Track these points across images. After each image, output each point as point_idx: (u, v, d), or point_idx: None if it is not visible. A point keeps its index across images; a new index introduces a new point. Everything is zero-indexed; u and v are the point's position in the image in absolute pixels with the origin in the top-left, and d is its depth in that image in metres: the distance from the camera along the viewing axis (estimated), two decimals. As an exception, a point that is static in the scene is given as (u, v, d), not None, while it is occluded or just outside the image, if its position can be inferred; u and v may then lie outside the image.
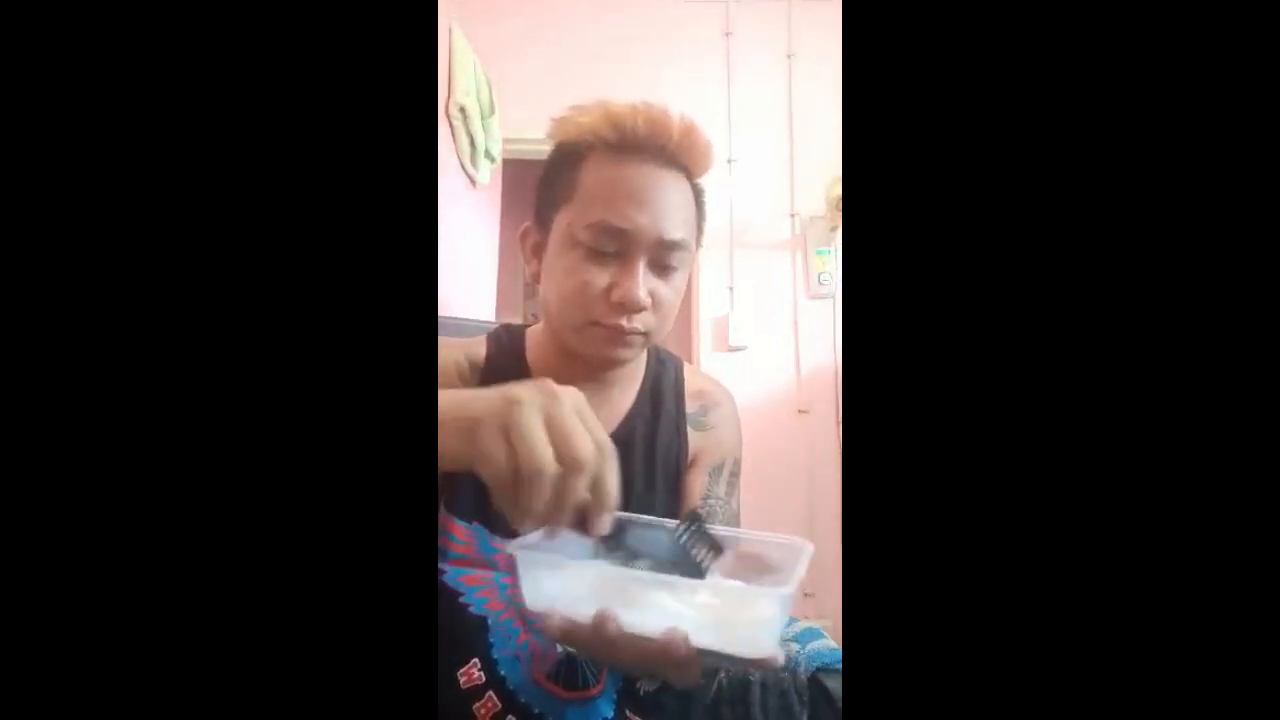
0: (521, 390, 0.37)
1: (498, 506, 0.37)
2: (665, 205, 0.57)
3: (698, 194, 0.62)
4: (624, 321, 0.57)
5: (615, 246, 0.56)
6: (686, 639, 0.37)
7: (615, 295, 0.56)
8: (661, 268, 0.58)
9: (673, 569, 0.43)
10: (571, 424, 0.36)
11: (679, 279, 0.60)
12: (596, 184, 0.57)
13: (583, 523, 0.38)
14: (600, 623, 0.38)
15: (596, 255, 0.57)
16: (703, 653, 0.38)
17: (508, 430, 0.36)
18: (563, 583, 0.42)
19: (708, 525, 0.45)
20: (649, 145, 0.57)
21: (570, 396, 0.38)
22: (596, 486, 0.37)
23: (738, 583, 0.43)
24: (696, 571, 0.43)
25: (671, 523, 0.46)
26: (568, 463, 0.36)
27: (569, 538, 0.40)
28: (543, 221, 0.62)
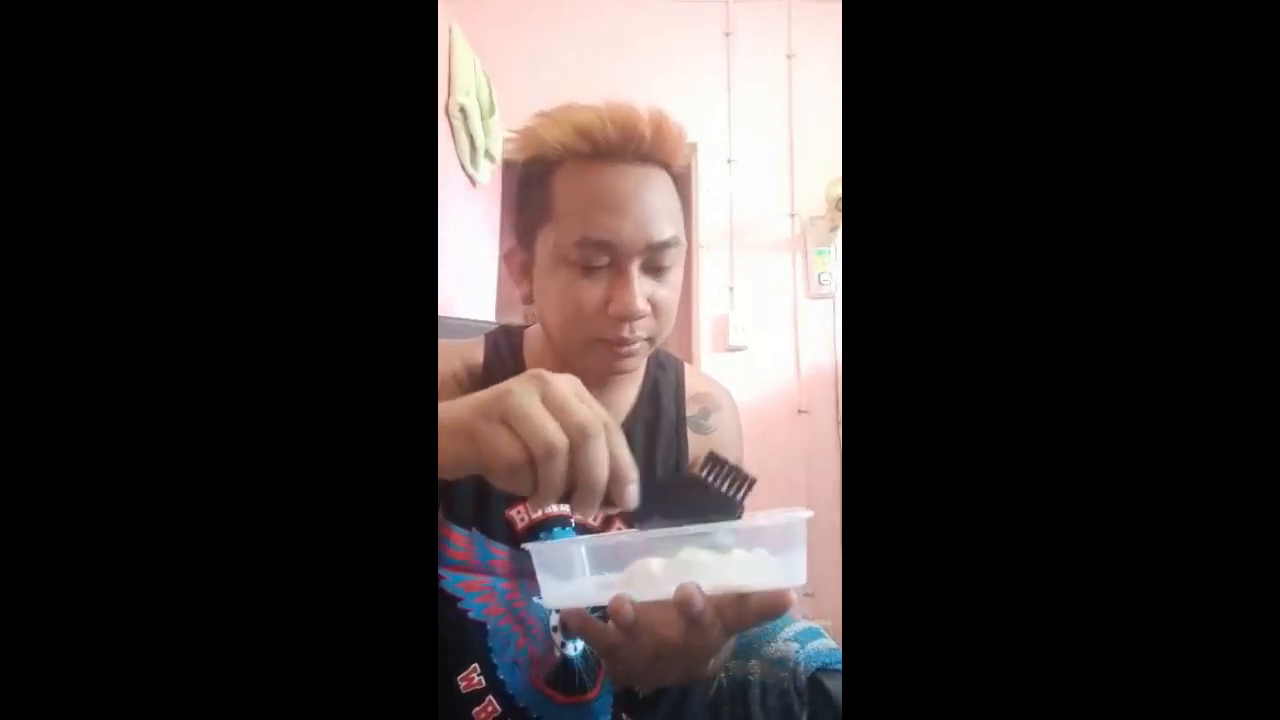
0: (512, 381, 0.37)
1: (518, 492, 0.37)
2: (648, 206, 0.55)
3: (679, 182, 0.59)
4: (626, 332, 0.56)
5: (605, 259, 0.55)
6: (699, 588, 0.37)
7: (613, 309, 0.55)
8: (655, 270, 0.57)
9: (708, 514, 0.42)
10: (569, 400, 0.37)
11: (674, 276, 0.59)
12: (573, 197, 0.55)
13: (609, 500, 0.38)
14: (616, 607, 0.38)
15: (587, 270, 0.55)
16: (726, 598, 0.38)
17: (507, 418, 0.36)
18: (577, 578, 0.42)
19: (726, 459, 0.44)
20: (622, 150, 0.55)
21: (565, 379, 0.38)
22: (613, 457, 0.37)
23: (750, 520, 0.42)
24: (730, 507, 0.42)
25: (690, 474, 0.46)
26: (575, 434, 0.36)
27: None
28: (526, 241, 0.60)
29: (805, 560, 0.39)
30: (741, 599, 0.39)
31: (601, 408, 0.38)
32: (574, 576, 0.43)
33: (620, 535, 0.40)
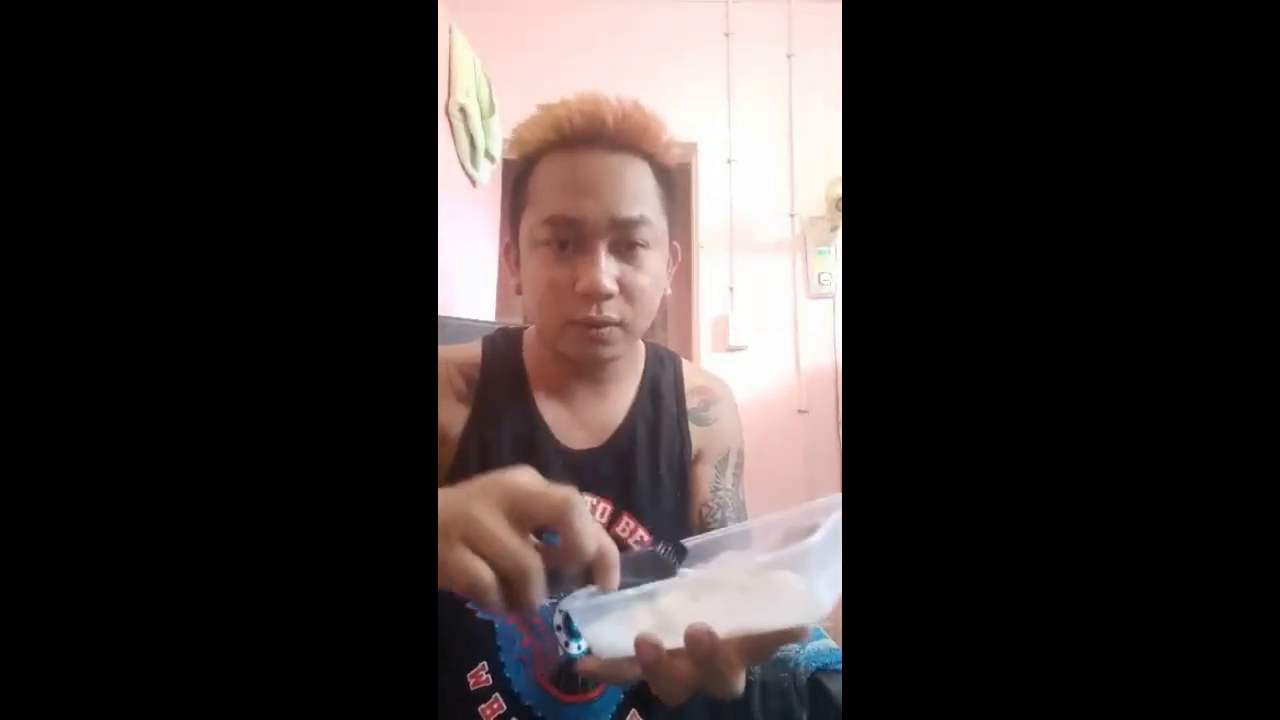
0: (469, 496, 0.35)
1: (490, 611, 0.36)
2: (614, 186, 0.57)
3: (659, 172, 0.60)
4: (593, 312, 0.57)
5: (571, 235, 0.57)
6: (709, 631, 0.35)
7: (580, 286, 0.56)
8: (626, 248, 0.58)
9: (653, 576, 0.42)
10: (539, 486, 0.36)
11: (651, 261, 0.59)
12: (546, 182, 0.58)
13: (588, 575, 0.38)
14: (640, 647, 0.37)
15: (558, 250, 0.57)
16: (743, 640, 0.36)
17: (474, 544, 0.34)
18: (622, 621, 0.41)
19: (683, 543, 0.46)
20: (589, 136, 0.57)
21: (522, 470, 0.37)
22: (596, 544, 0.36)
23: (761, 557, 0.40)
24: (668, 570, 0.43)
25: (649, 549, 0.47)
26: (559, 511, 0.35)
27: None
28: (515, 234, 0.63)
29: (834, 585, 0.36)
30: (757, 636, 0.37)
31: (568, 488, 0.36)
32: (620, 624, 0.42)
33: (654, 585, 0.39)
